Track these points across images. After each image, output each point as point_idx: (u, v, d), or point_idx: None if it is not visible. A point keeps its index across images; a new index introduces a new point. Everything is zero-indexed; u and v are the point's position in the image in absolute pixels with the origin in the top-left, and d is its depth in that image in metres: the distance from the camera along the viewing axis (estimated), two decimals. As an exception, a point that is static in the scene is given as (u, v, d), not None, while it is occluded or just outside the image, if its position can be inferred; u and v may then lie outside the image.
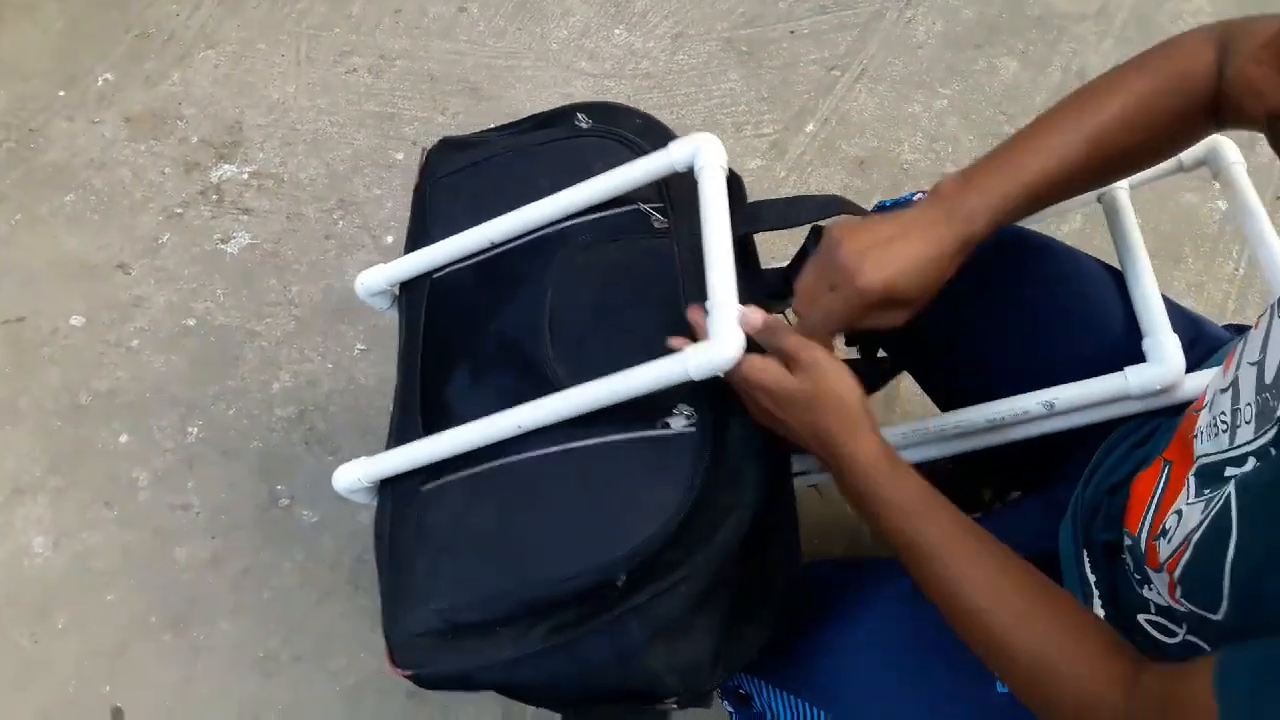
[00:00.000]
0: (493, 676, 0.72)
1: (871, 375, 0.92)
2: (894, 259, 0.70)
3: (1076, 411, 0.83)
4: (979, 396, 0.86)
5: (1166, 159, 0.81)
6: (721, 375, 0.71)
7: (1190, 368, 0.80)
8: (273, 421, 1.36)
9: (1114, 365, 0.81)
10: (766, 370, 0.71)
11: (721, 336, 0.70)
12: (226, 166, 1.59)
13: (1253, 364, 0.60)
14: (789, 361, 0.72)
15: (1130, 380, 0.79)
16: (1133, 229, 0.90)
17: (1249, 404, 0.59)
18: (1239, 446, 0.59)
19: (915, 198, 0.91)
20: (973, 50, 1.71)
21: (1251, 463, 0.57)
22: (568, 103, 0.97)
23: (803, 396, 0.70)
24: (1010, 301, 0.87)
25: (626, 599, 0.69)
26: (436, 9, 1.77)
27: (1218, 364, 0.81)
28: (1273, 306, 0.61)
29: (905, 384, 1.00)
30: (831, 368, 0.72)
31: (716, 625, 0.73)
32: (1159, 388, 0.79)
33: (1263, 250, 0.88)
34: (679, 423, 0.74)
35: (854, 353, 1.01)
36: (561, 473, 0.76)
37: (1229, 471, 0.59)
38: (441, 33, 1.74)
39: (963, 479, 1.26)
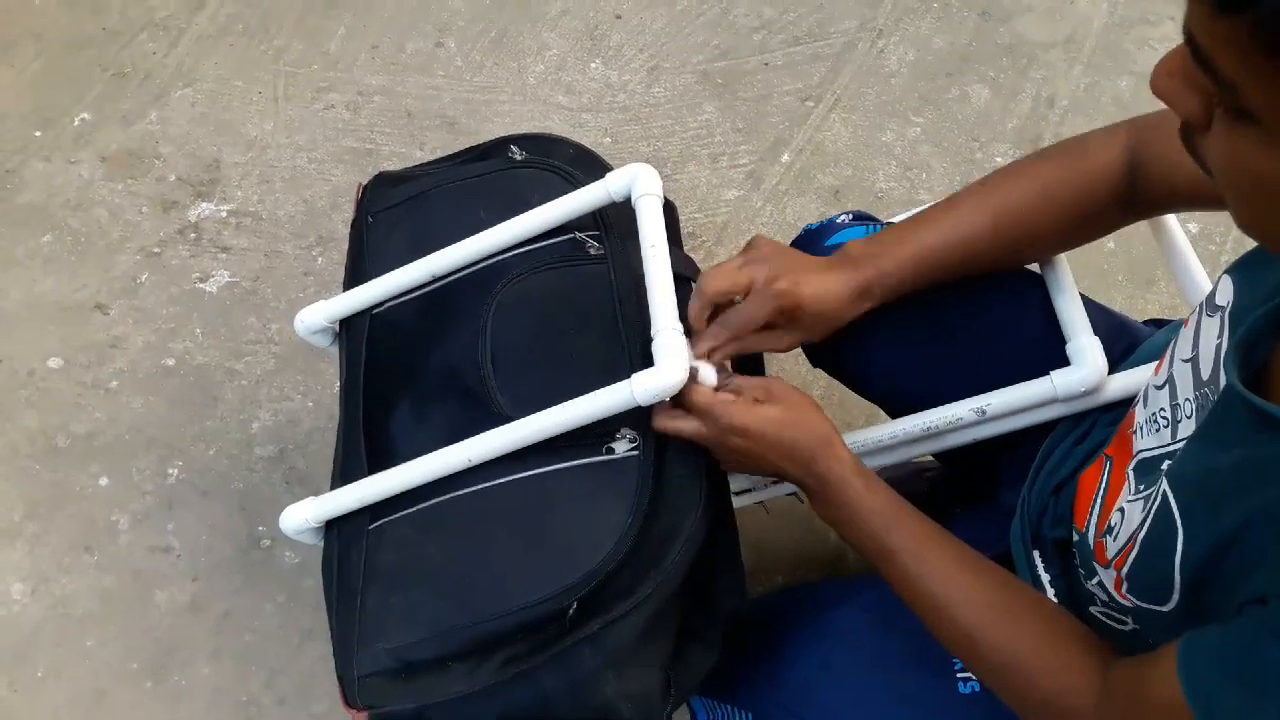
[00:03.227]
0: (448, 712, 0.73)
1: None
2: (810, 279, 0.77)
3: (1007, 417, 0.86)
4: (919, 405, 0.88)
5: (1080, 243, 0.86)
6: (668, 400, 0.73)
7: (1116, 365, 0.83)
8: (253, 461, 1.35)
9: (1042, 370, 0.83)
10: (745, 411, 0.73)
11: (667, 361, 0.72)
12: (204, 205, 1.59)
13: (1186, 360, 0.62)
14: (754, 397, 0.75)
15: (1056, 384, 0.82)
16: None
17: (1188, 399, 0.61)
18: (1180, 440, 0.61)
19: (840, 219, 0.94)
20: (944, 79, 1.73)
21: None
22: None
23: (776, 426, 0.73)
24: (939, 312, 0.88)
25: (578, 628, 0.70)
26: (414, 44, 1.78)
27: (1139, 363, 0.83)
28: (1201, 305, 0.63)
29: (851, 397, 1.01)
30: (795, 393, 0.76)
31: (667, 650, 0.74)
32: (1084, 390, 0.81)
33: (1177, 262, 0.91)
34: (622, 446, 0.75)
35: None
36: (508, 504, 0.76)
37: (1166, 465, 0.61)
38: (419, 68, 1.75)
39: (936, 497, 1.27)
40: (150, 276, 1.52)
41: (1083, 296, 0.87)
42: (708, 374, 0.75)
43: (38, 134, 1.67)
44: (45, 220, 1.57)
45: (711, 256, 1.54)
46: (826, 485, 0.73)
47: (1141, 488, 0.63)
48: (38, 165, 1.64)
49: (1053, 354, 0.84)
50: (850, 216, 0.95)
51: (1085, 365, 0.81)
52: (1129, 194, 0.77)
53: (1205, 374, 0.60)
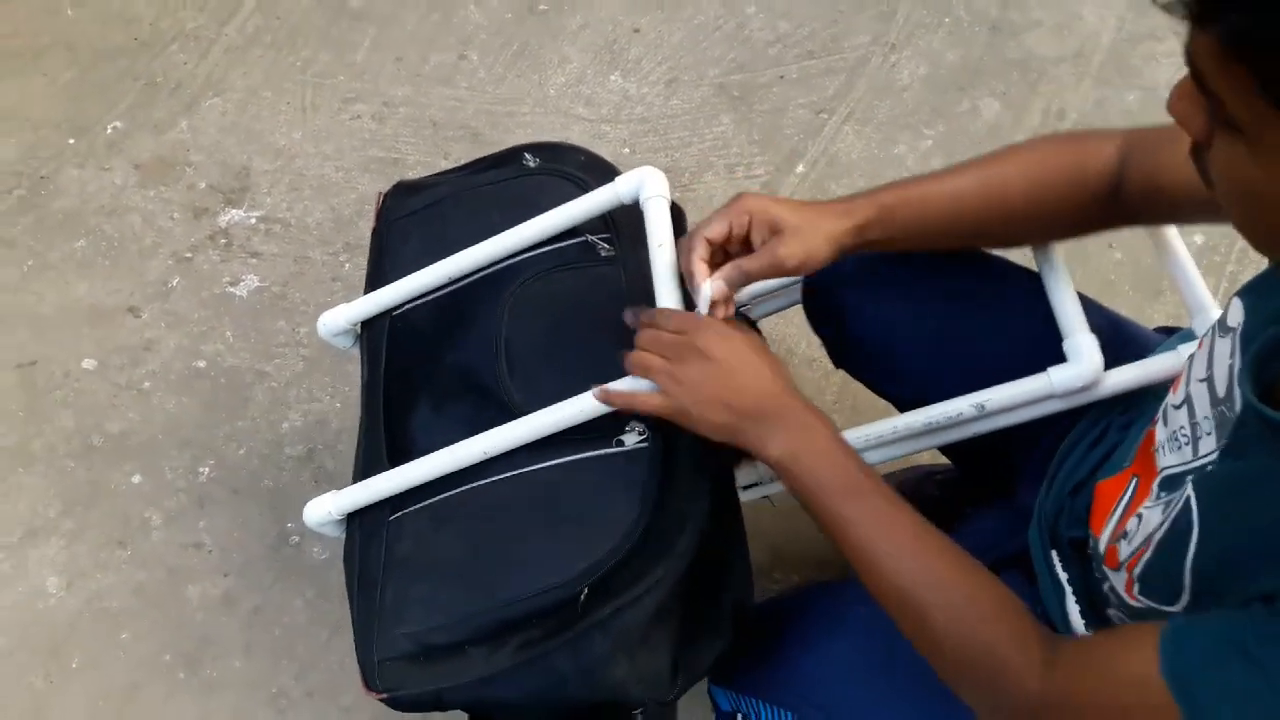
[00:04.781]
0: (465, 695, 0.76)
1: None
2: (782, 200, 0.79)
3: (1006, 412, 0.88)
4: (919, 402, 0.91)
5: (1060, 236, 0.88)
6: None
7: (1115, 365, 0.85)
8: (283, 460, 1.39)
9: (1039, 366, 0.85)
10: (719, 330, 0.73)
11: None
12: (234, 211, 1.63)
13: (1202, 380, 0.65)
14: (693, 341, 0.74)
15: (1053, 380, 0.84)
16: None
17: (1207, 417, 0.64)
18: (1203, 457, 0.64)
19: None
20: (956, 92, 1.77)
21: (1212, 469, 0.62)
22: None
23: (749, 347, 0.73)
24: (940, 311, 0.92)
25: (589, 613, 0.73)
26: (437, 57, 1.82)
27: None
28: (1213, 327, 0.66)
29: (865, 399, 1.05)
30: (733, 333, 0.74)
31: (674, 635, 0.76)
32: (1080, 385, 0.84)
33: (1177, 270, 0.93)
34: (632, 439, 0.78)
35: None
36: (522, 495, 0.79)
37: (1191, 477, 0.63)
38: (442, 80, 1.79)
39: (947, 499, 1.30)
40: (182, 281, 1.56)
41: (1081, 296, 0.90)
42: (706, 289, 0.76)
43: (71, 141, 1.72)
44: (79, 226, 1.62)
45: (728, 265, 1.57)
46: (786, 417, 0.72)
47: (1163, 494, 0.66)
48: (72, 172, 1.68)
49: (1055, 351, 0.87)
50: None
51: (1081, 361, 0.84)
52: (1113, 195, 0.80)
53: (1220, 392, 0.63)
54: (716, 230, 0.78)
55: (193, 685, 1.23)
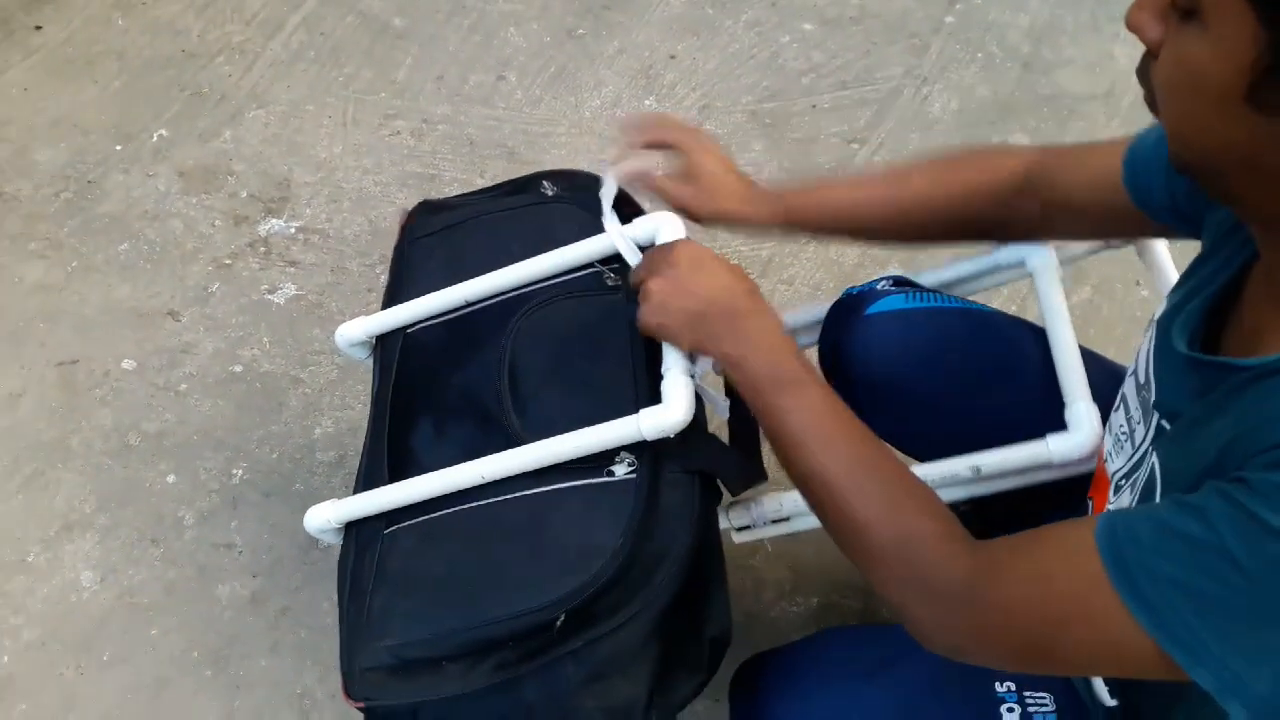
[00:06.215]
0: (439, 711, 0.77)
1: (746, 469, 0.83)
2: (721, 160, 0.92)
3: (1003, 477, 0.86)
4: (926, 456, 0.90)
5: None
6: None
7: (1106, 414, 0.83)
8: (314, 465, 1.42)
9: (1040, 431, 0.84)
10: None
11: (673, 400, 0.76)
12: (274, 220, 1.67)
13: (1130, 375, 0.67)
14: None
15: (1051, 448, 0.82)
16: (1059, 302, 0.94)
17: (1136, 407, 0.66)
18: (1140, 448, 0.65)
19: (880, 285, 0.99)
20: (986, 127, 1.79)
21: (1152, 454, 0.62)
22: (596, 169, 1.04)
23: (674, 274, 0.76)
24: (946, 369, 0.91)
25: (565, 641, 0.74)
26: (477, 77, 1.86)
27: None
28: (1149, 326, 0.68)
29: None
30: (699, 246, 0.79)
31: (650, 670, 0.76)
32: (1078, 456, 0.81)
33: (1162, 284, 0.94)
34: (621, 469, 0.79)
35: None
36: (513, 518, 0.80)
37: (1136, 473, 0.64)
38: (481, 100, 1.83)
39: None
40: (221, 286, 1.59)
41: (1089, 353, 0.89)
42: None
43: (118, 148, 1.76)
44: (123, 230, 1.66)
45: (756, 289, 1.60)
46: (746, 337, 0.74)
47: (1124, 482, 0.67)
48: (118, 177, 1.72)
49: (1050, 414, 0.85)
50: (890, 282, 0.99)
51: (1081, 430, 0.82)
52: (1012, 209, 0.83)
53: (1142, 379, 0.65)
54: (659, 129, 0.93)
55: (219, 683, 1.26)
